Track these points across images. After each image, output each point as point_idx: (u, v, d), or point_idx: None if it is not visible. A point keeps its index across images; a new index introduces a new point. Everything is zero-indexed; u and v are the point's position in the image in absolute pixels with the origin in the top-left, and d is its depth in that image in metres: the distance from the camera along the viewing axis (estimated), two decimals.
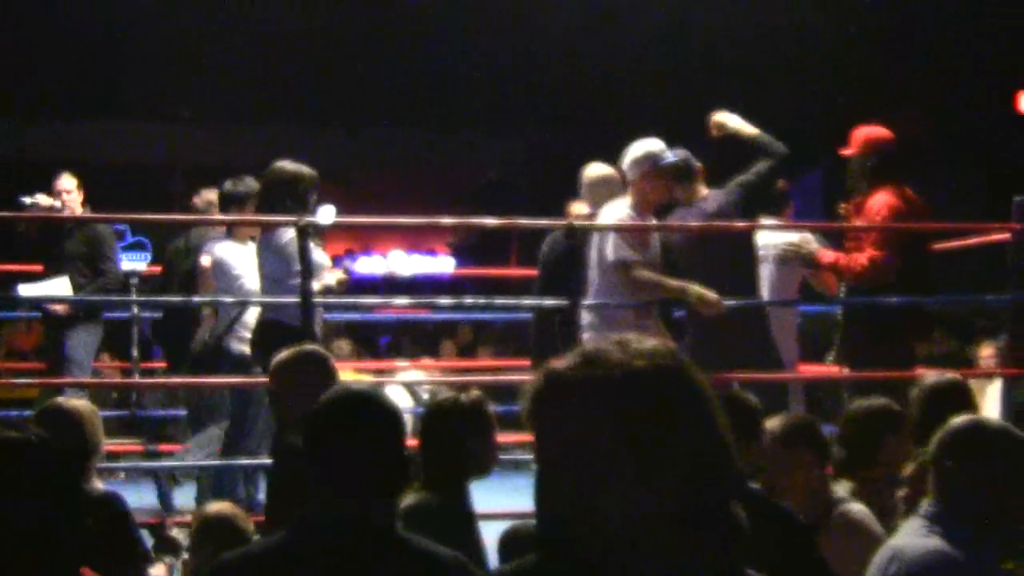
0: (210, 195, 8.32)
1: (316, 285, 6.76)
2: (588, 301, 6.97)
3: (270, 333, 6.71)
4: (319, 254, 6.96)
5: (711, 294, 6.77)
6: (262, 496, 7.10)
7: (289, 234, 6.82)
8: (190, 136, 18.32)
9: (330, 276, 7.08)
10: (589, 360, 1.71)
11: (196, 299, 7.72)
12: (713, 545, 1.68)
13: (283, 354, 4.96)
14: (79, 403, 5.11)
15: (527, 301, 8.13)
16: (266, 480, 4.40)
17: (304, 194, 7.04)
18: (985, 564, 3.25)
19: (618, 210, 7.03)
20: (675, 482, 1.66)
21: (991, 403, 9.47)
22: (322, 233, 7.06)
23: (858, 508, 4.52)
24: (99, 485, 5.00)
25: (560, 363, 1.74)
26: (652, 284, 6.86)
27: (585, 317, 6.96)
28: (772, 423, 4.68)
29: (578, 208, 7.93)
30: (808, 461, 4.56)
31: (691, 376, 1.73)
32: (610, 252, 6.90)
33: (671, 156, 7.04)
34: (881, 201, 7.04)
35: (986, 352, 9.10)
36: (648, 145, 7.06)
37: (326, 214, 6.90)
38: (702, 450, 1.69)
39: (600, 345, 1.73)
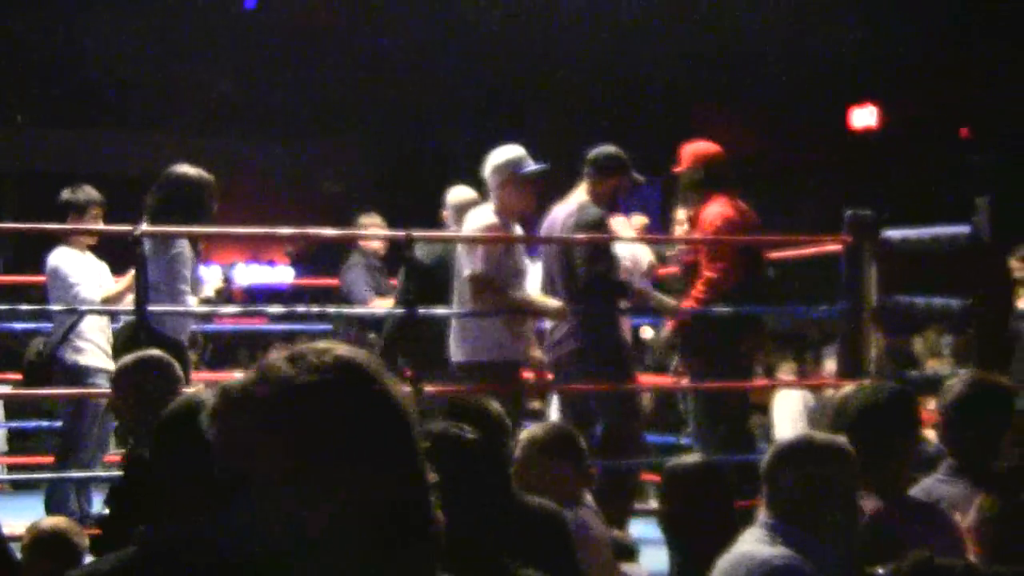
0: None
1: (194, 298, 6.72)
2: (454, 310, 6.95)
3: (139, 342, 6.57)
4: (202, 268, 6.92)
5: (554, 302, 6.85)
6: (95, 510, 6.99)
7: (182, 244, 6.73)
8: (26, 142, 18.01)
9: (208, 287, 7.04)
10: (260, 376, 1.67)
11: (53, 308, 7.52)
12: (403, 556, 1.66)
13: (124, 361, 4.85)
14: None
15: (358, 310, 8.11)
16: (109, 492, 4.32)
17: (209, 200, 6.95)
18: (831, 570, 3.36)
19: (482, 217, 6.99)
20: (349, 496, 1.63)
21: (782, 413, 9.74)
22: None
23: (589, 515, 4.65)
24: None
25: (236, 379, 1.71)
26: (504, 300, 6.83)
27: (453, 327, 6.96)
28: (534, 430, 4.79)
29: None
30: (565, 470, 4.64)
31: (367, 388, 1.68)
32: (468, 265, 6.89)
33: (531, 164, 7.00)
34: (714, 212, 7.19)
35: (830, 366, 9.24)
36: (508, 152, 6.99)
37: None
38: (379, 462, 1.65)
39: (273, 359, 1.68)
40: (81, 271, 7.45)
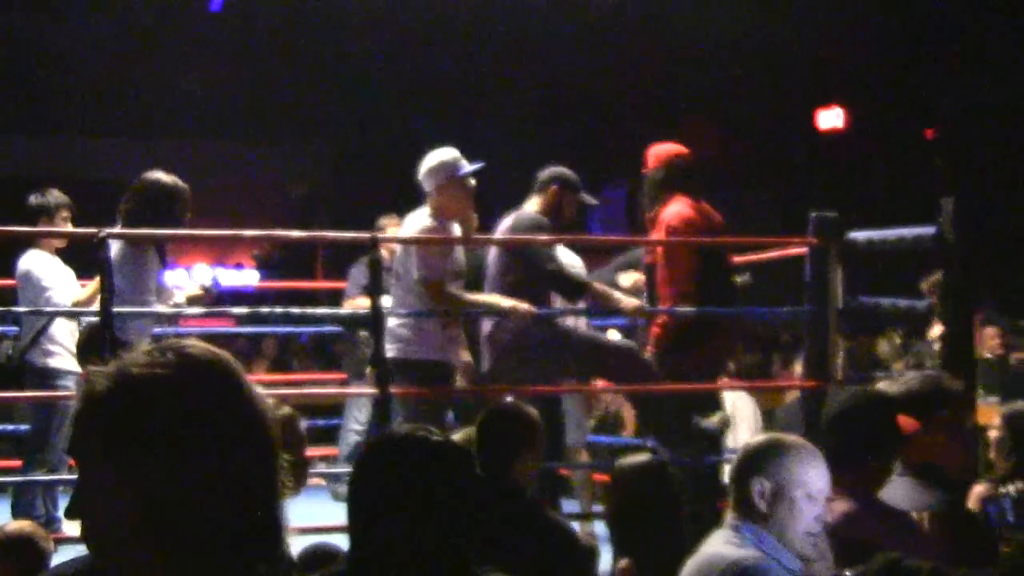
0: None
1: (163, 304, 6.75)
2: (393, 308, 6.91)
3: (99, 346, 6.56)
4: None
5: (522, 304, 6.85)
6: (60, 513, 6.98)
7: (147, 251, 6.75)
8: None
9: (180, 294, 7.05)
10: (111, 366, 1.67)
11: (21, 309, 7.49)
12: (245, 553, 1.65)
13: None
14: None
15: (323, 311, 8.10)
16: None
17: (182, 209, 6.93)
18: (797, 568, 3.42)
19: (420, 220, 6.94)
20: (158, 493, 1.61)
21: (741, 414, 9.77)
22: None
23: None
24: None
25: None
26: (459, 302, 6.85)
27: (392, 329, 6.91)
28: None
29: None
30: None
31: (202, 384, 1.66)
32: (414, 268, 6.88)
33: (467, 166, 6.94)
34: (673, 211, 7.19)
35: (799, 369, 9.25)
36: (443, 155, 6.95)
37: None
38: (203, 462, 1.62)
39: (136, 352, 1.68)
40: (53, 275, 7.47)
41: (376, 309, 6.61)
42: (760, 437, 3.69)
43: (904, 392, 4.34)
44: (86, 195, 8.20)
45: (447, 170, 6.89)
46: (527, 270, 7.05)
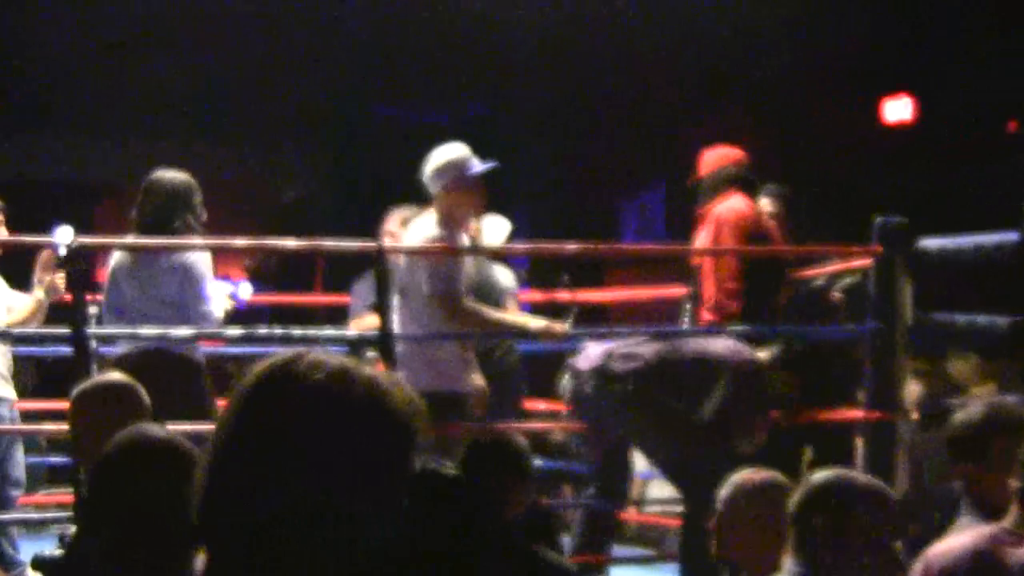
0: None
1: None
2: (398, 330, 6.88)
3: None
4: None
5: (556, 324, 6.83)
6: (22, 556, 6.99)
7: (198, 253, 6.78)
8: None
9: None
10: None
11: None
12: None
13: (83, 385, 4.87)
14: None
15: (328, 332, 8.06)
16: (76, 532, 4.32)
17: (199, 207, 6.95)
18: None
19: (425, 228, 6.91)
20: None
21: None
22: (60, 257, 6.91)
23: None
24: None
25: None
26: (480, 320, 6.79)
27: (400, 355, 6.85)
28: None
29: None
30: None
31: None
32: (424, 283, 6.80)
33: (478, 165, 6.90)
34: (727, 205, 7.25)
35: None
36: (450, 152, 6.92)
37: (63, 234, 6.76)
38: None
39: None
40: None
41: (386, 329, 6.60)
42: (825, 474, 3.66)
43: (959, 425, 4.34)
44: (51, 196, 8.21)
45: (455, 170, 6.84)
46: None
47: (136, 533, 3.11)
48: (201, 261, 7.07)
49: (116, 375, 5.07)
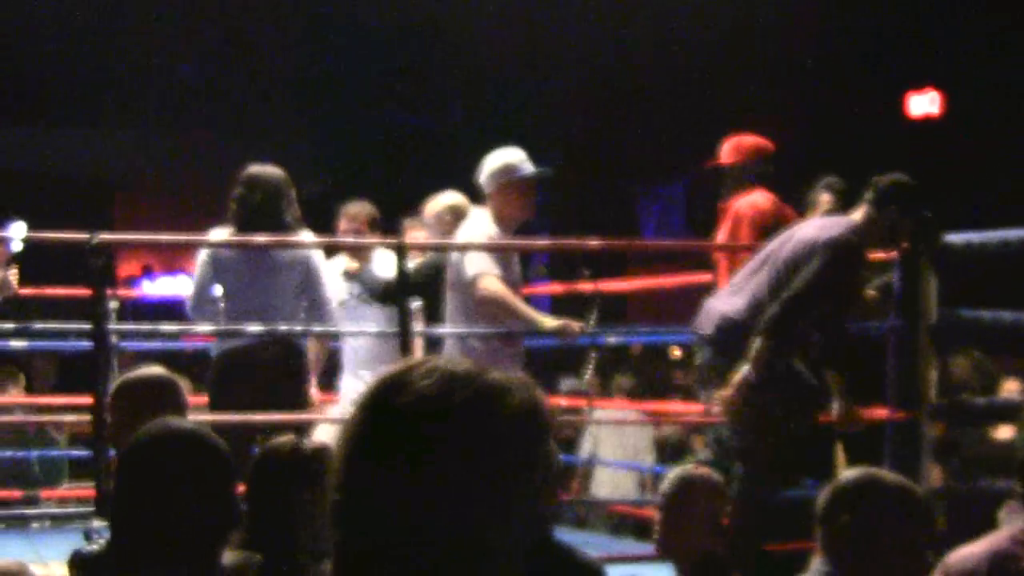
0: None
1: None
2: (447, 328, 7.15)
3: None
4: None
5: (572, 322, 6.99)
6: None
7: (316, 251, 7.09)
8: None
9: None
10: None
11: None
12: None
13: (124, 378, 4.88)
14: None
15: (353, 330, 8.10)
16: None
17: (294, 200, 7.17)
18: None
19: (479, 226, 7.15)
20: None
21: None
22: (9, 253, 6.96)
23: None
24: None
25: None
26: (499, 300, 6.92)
27: (448, 345, 7.12)
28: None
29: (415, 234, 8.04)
30: None
31: None
32: (468, 268, 6.99)
33: (530, 168, 7.16)
34: (747, 201, 7.28)
35: None
36: (505, 156, 7.19)
37: (17, 229, 6.82)
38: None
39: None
40: None
41: (405, 323, 6.71)
42: (855, 473, 3.67)
43: None
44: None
45: (507, 172, 7.16)
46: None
47: (162, 525, 3.12)
48: (319, 257, 7.32)
49: (156, 369, 5.07)
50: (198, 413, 6.44)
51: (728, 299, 6.62)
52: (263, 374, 6.92)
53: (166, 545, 3.09)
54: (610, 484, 11.60)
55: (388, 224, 8.17)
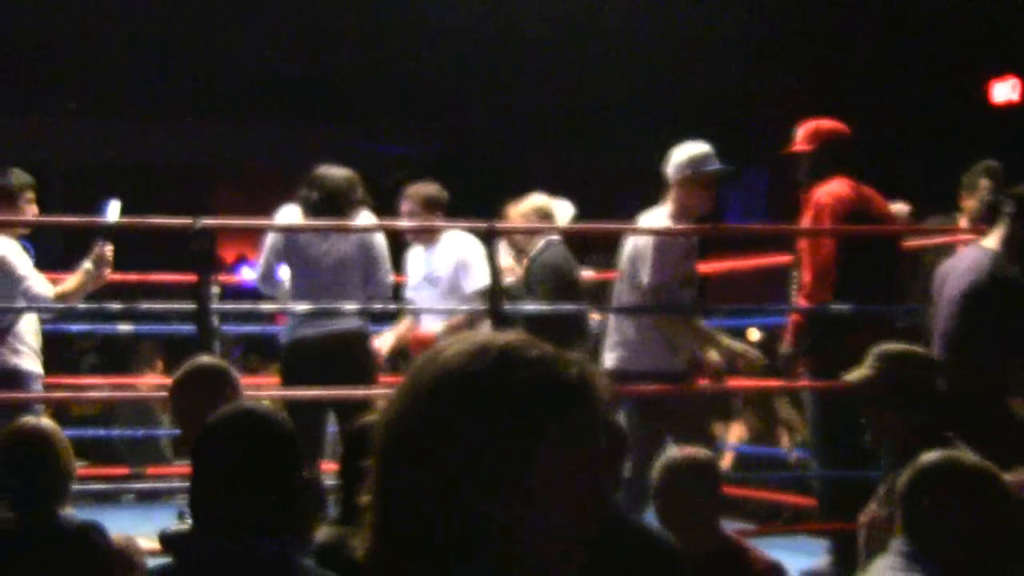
0: None
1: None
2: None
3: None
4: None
5: (752, 351, 7.11)
6: None
7: (379, 235, 7.47)
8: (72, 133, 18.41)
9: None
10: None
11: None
12: None
13: (187, 366, 5.09)
14: (47, 423, 4.97)
15: (442, 307, 8.14)
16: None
17: (358, 198, 7.54)
18: None
19: (656, 218, 7.29)
20: None
21: None
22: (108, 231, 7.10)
23: None
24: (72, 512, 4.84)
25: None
26: (683, 327, 7.18)
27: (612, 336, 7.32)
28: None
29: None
30: None
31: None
32: (645, 273, 7.14)
33: (716, 163, 7.28)
34: (827, 190, 7.29)
35: None
36: (693, 148, 7.31)
37: (113, 208, 7.01)
38: None
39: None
40: (27, 264, 7.37)
41: (496, 307, 6.84)
42: (935, 456, 3.67)
43: None
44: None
45: (693, 165, 7.27)
46: None
47: (242, 504, 3.26)
48: (381, 243, 7.65)
49: (210, 358, 5.28)
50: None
51: None
52: (331, 366, 7.20)
53: (244, 525, 3.22)
54: None
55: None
